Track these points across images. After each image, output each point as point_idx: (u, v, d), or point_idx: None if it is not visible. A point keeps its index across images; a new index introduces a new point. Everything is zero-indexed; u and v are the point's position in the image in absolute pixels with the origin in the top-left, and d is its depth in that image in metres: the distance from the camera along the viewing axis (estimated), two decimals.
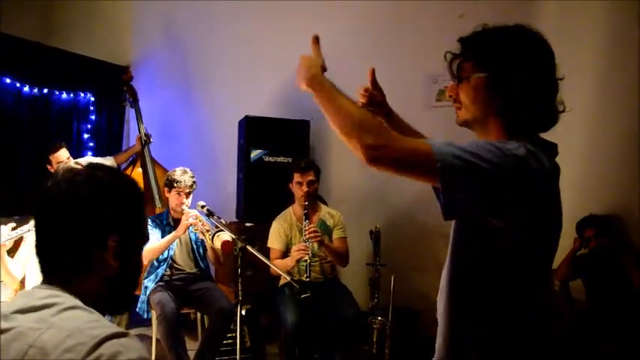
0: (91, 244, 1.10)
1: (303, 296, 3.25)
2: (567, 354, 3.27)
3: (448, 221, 1.33)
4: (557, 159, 1.37)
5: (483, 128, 1.40)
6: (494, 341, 1.33)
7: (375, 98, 1.72)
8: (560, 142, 1.39)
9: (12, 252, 2.76)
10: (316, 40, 1.57)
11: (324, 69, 1.50)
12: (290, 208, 3.92)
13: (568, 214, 1.36)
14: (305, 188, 3.67)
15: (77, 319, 0.99)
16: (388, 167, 1.27)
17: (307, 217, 3.59)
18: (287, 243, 3.77)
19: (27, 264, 2.74)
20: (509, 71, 1.32)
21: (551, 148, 1.36)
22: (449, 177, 1.20)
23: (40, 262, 1.12)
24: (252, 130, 4.52)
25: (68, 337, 0.94)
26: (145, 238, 1.24)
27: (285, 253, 3.73)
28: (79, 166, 1.13)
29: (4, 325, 0.99)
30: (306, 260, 3.47)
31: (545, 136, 1.39)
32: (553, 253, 1.41)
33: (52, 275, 1.11)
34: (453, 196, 1.22)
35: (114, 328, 0.99)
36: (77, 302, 1.04)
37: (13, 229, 2.65)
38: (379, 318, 3.56)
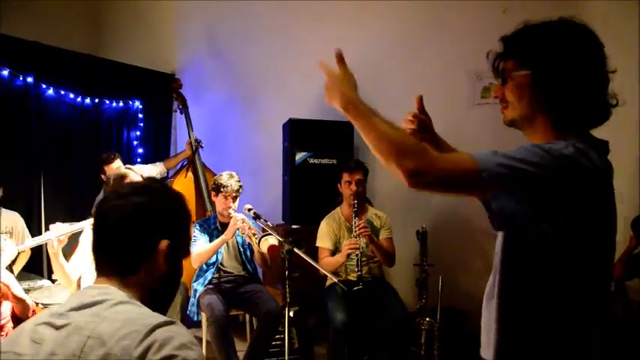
0: (144, 245, 1.20)
1: (355, 288, 3.27)
2: (622, 355, 3.17)
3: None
4: (610, 155, 1.32)
5: (531, 127, 1.36)
6: (546, 351, 1.28)
7: (423, 124, 1.69)
8: (614, 138, 1.34)
9: (67, 257, 2.86)
10: (340, 56, 1.48)
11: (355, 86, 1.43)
12: (338, 209, 3.97)
13: (622, 212, 1.31)
14: (354, 187, 3.73)
15: (129, 312, 1.09)
16: (433, 189, 1.25)
17: (357, 214, 3.63)
18: (336, 242, 3.81)
19: (82, 266, 2.84)
20: (553, 66, 1.28)
21: (602, 146, 1.31)
22: (496, 186, 1.17)
23: (97, 260, 1.23)
24: (297, 132, 4.56)
25: (122, 327, 1.03)
26: (188, 250, 1.36)
27: (334, 253, 3.78)
28: (128, 177, 1.26)
29: (62, 321, 1.08)
30: (357, 255, 3.50)
31: (597, 131, 1.33)
32: (610, 255, 1.35)
33: (109, 272, 1.21)
34: (501, 205, 1.18)
35: (163, 317, 1.08)
36: (126, 297, 1.14)
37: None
38: (427, 319, 3.52)
